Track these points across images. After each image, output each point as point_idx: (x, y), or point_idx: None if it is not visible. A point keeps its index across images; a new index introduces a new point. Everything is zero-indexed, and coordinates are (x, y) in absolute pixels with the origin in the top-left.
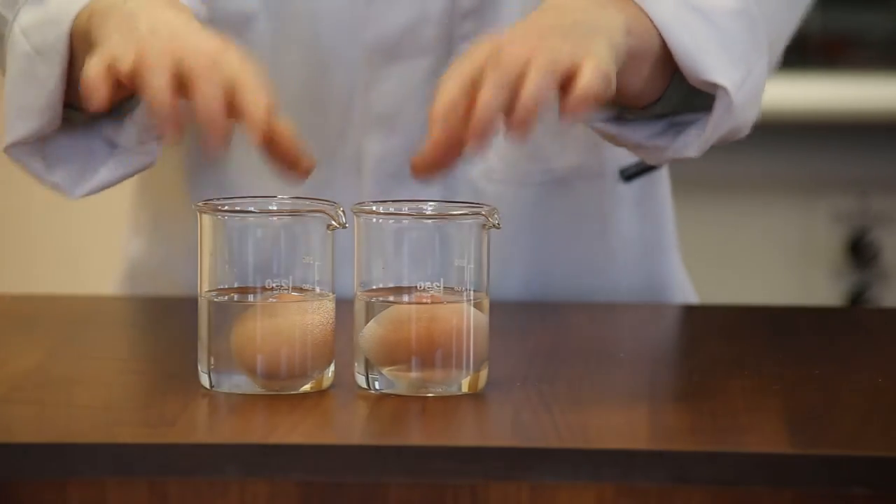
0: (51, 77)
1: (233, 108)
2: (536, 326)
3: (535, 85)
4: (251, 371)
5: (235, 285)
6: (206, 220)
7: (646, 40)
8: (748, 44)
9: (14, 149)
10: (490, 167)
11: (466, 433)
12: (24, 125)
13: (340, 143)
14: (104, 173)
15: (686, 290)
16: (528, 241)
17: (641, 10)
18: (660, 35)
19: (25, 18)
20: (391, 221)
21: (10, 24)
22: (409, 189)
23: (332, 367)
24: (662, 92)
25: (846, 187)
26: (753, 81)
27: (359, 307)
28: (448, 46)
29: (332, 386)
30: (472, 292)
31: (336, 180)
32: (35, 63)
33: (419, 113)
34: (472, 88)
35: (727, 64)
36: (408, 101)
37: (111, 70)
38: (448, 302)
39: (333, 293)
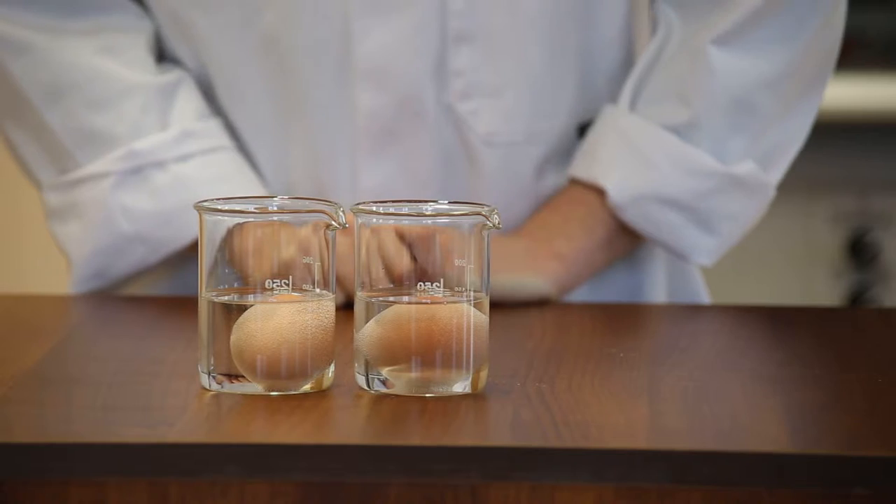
0: (148, 260)
1: None
2: (536, 326)
3: None
4: (251, 371)
5: (235, 285)
6: (207, 219)
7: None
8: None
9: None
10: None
11: (466, 433)
12: (96, 283)
13: (333, 95)
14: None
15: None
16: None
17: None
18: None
19: (127, 199)
20: (391, 221)
21: (93, 177)
22: (402, 144)
23: (332, 368)
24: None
25: (846, 187)
26: (738, 230)
27: (359, 307)
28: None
29: (332, 386)
30: (472, 292)
31: (331, 133)
32: (135, 246)
33: (409, 66)
34: None
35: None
36: (397, 54)
37: None
38: (448, 302)
39: (333, 293)
